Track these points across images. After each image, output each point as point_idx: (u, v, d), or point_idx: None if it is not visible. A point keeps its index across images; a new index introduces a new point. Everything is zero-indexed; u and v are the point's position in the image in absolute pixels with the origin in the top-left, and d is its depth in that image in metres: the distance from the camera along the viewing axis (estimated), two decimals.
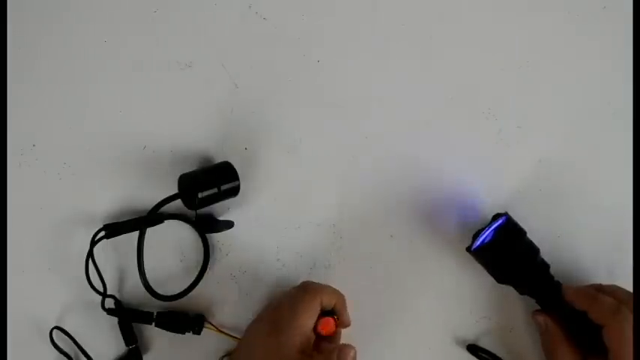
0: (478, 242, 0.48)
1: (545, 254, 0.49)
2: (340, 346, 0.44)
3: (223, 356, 0.52)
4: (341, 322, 0.49)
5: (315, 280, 0.52)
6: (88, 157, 0.52)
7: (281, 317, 0.45)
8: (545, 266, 0.49)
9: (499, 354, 0.52)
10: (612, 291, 0.47)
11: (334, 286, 0.51)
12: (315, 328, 0.47)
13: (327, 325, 0.47)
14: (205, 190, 0.48)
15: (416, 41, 0.54)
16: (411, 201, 0.54)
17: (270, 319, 0.46)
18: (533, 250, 0.48)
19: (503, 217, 0.48)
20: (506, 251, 0.47)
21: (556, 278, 0.49)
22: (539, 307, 0.50)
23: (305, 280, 0.52)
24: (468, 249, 0.49)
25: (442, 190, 0.54)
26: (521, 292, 0.49)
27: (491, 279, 0.50)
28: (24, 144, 0.51)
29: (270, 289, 0.52)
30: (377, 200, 0.53)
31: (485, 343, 0.52)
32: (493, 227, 0.48)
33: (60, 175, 0.51)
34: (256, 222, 0.52)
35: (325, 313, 0.48)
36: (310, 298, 0.46)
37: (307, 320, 0.45)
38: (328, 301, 0.47)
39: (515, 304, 0.52)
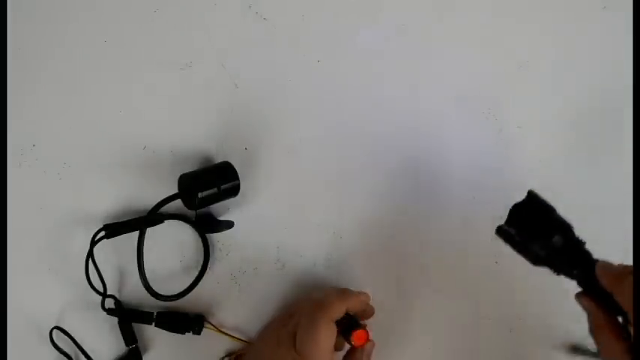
0: (506, 224, 0.45)
1: None
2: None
3: (224, 357, 0.52)
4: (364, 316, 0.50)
5: (315, 280, 0.52)
6: (88, 157, 0.52)
7: (302, 342, 0.45)
8: (581, 243, 0.45)
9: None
10: None
11: (334, 287, 0.51)
12: (348, 341, 0.47)
13: (361, 337, 0.47)
14: (205, 190, 0.48)
15: (416, 41, 0.54)
16: (411, 201, 0.54)
17: (290, 343, 0.46)
18: (565, 225, 0.45)
19: (529, 196, 0.45)
20: (537, 229, 0.44)
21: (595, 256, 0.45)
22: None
23: (304, 278, 0.52)
24: (498, 231, 0.46)
25: (442, 189, 0.54)
26: (558, 273, 0.46)
27: (489, 275, 0.50)
28: (24, 144, 0.51)
29: (270, 289, 0.52)
30: (377, 200, 0.53)
31: (486, 340, 0.52)
32: (519, 207, 0.45)
33: (60, 175, 0.51)
34: (256, 222, 0.52)
35: (354, 323, 0.48)
36: (326, 319, 0.46)
37: (328, 342, 0.45)
38: (340, 313, 0.47)
39: (518, 301, 0.52)
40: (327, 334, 0.45)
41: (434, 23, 0.54)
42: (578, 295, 0.44)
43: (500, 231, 0.46)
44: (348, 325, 0.47)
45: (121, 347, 0.51)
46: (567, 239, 0.45)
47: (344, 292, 0.49)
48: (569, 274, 0.45)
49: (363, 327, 0.47)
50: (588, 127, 0.54)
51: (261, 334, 0.50)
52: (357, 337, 0.47)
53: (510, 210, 0.46)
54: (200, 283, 0.51)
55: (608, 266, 0.43)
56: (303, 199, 0.53)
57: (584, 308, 0.44)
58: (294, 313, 0.48)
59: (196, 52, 0.53)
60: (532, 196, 0.45)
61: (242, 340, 0.52)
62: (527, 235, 0.45)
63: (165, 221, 0.51)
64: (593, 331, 0.43)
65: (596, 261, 0.44)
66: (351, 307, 0.48)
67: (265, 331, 0.50)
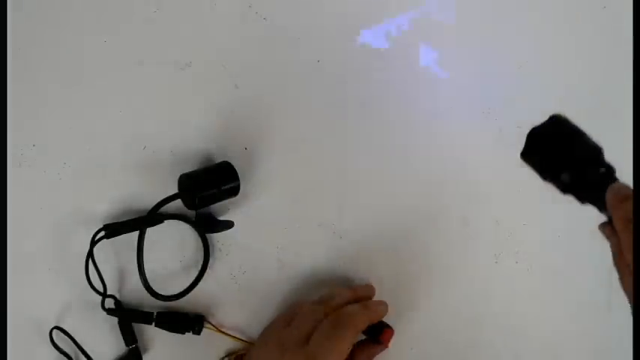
0: (529, 149, 0.43)
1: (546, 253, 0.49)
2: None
3: (224, 357, 0.52)
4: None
5: (315, 280, 0.52)
6: (88, 157, 0.52)
7: (319, 346, 0.44)
8: (611, 169, 0.42)
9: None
10: None
11: (334, 288, 0.51)
12: (374, 339, 0.48)
13: (389, 335, 0.48)
14: (205, 190, 0.48)
15: (415, 41, 0.54)
16: (411, 201, 0.54)
17: (296, 347, 0.45)
18: (597, 150, 0.42)
19: (557, 119, 0.43)
20: (569, 154, 0.41)
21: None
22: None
23: (304, 278, 0.52)
24: (524, 155, 0.43)
25: (442, 189, 0.54)
26: (583, 201, 0.42)
27: (489, 275, 0.50)
28: (24, 144, 0.51)
29: (270, 289, 0.52)
30: (377, 200, 0.53)
31: (486, 340, 0.52)
32: (547, 126, 0.42)
33: (60, 175, 0.51)
34: (256, 222, 0.52)
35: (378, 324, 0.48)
36: (353, 331, 0.45)
37: (347, 351, 0.45)
38: (364, 327, 0.47)
39: (518, 301, 0.52)
40: (348, 345, 0.45)
41: (434, 23, 0.54)
42: (602, 225, 0.41)
43: (527, 155, 0.43)
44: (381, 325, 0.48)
45: (121, 347, 0.51)
46: (598, 165, 0.42)
47: (367, 306, 0.49)
48: (594, 203, 0.42)
49: (389, 325, 0.48)
50: (588, 127, 0.54)
51: (262, 336, 0.50)
52: (386, 336, 0.48)
53: (530, 134, 0.43)
54: (200, 283, 0.51)
55: (616, 188, 0.39)
56: (303, 199, 0.53)
57: (606, 237, 0.40)
58: (296, 314, 0.48)
59: (196, 52, 0.53)
60: (561, 120, 0.42)
61: (242, 340, 0.52)
62: (557, 161, 0.42)
63: (165, 221, 0.51)
64: (617, 260, 0.40)
65: None
66: (373, 319, 0.48)
67: (267, 332, 0.50)
